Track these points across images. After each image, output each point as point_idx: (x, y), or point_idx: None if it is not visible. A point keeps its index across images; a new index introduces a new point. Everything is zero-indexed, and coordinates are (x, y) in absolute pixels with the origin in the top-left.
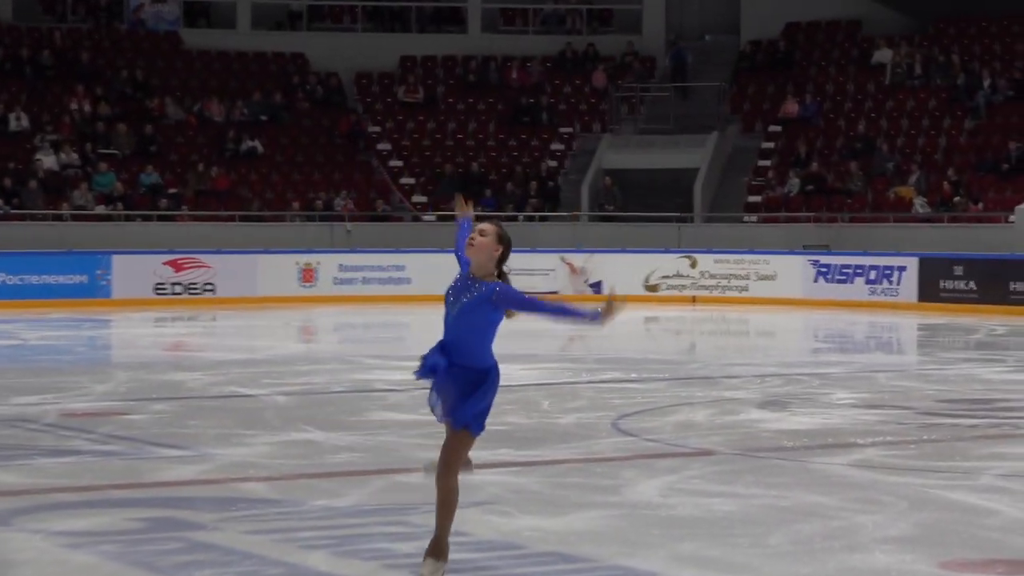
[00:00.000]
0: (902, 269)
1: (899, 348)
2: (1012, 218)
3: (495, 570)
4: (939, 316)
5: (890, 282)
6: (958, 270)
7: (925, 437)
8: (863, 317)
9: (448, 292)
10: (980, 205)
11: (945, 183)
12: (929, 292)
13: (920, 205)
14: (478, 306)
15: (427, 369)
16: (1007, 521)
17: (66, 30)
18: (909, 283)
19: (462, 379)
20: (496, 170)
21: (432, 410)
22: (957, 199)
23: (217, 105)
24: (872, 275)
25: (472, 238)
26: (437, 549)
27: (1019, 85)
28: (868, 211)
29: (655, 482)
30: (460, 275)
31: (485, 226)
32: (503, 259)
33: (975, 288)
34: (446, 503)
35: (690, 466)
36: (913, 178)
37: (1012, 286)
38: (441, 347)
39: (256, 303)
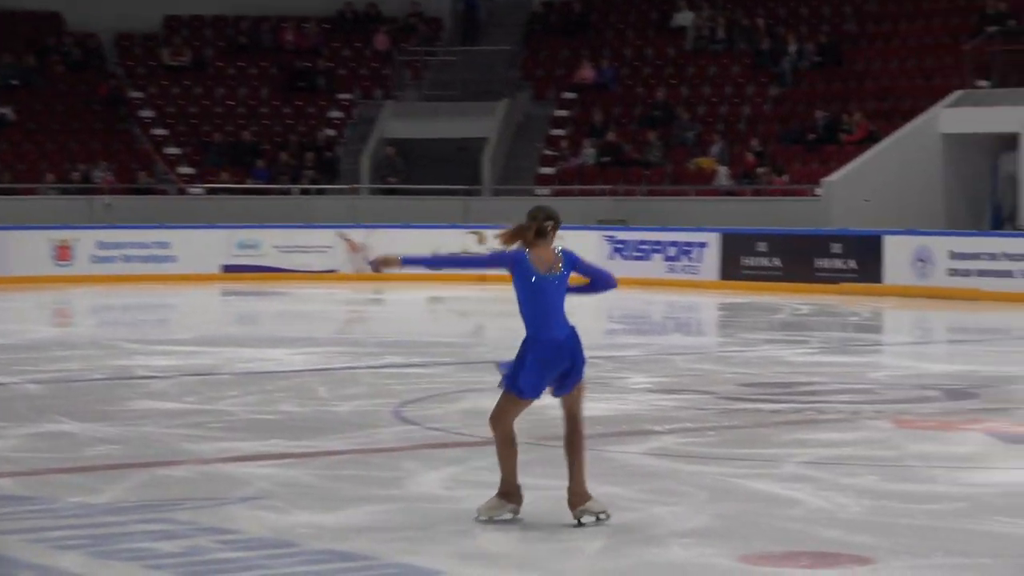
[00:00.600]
0: (703, 245)
1: (699, 329)
2: (818, 191)
3: (266, 570)
4: (741, 295)
5: (690, 259)
6: (762, 246)
7: (726, 423)
8: (661, 296)
9: (519, 280)
10: (785, 177)
11: (749, 154)
12: (731, 269)
13: (722, 177)
14: (566, 277)
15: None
16: (810, 511)
17: None
18: (710, 260)
19: (578, 354)
20: (269, 139)
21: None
22: (761, 171)
23: None
24: (671, 251)
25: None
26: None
27: (826, 50)
28: (667, 184)
29: (439, 474)
30: (525, 266)
31: (506, 232)
32: (529, 228)
33: (779, 265)
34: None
35: (477, 456)
36: (715, 148)
37: (817, 263)
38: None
39: (6, 283)
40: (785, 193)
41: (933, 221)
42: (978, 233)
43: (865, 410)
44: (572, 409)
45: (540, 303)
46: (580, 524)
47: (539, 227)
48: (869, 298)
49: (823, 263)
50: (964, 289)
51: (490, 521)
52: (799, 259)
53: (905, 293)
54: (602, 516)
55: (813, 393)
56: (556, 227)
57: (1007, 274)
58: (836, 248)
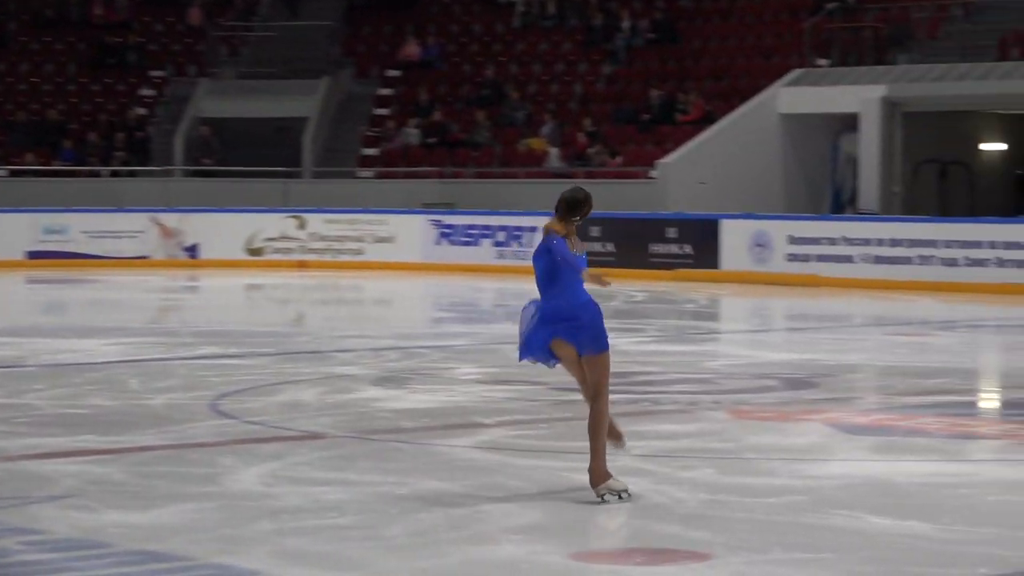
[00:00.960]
0: (533, 229)
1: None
2: (653, 173)
3: (75, 572)
4: None
5: (520, 244)
6: (595, 231)
7: (557, 415)
8: (490, 283)
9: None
10: (619, 159)
11: (581, 135)
12: None
13: (553, 159)
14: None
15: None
16: (646, 507)
17: None
18: None
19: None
20: (77, 119)
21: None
22: (594, 152)
23: None
24: (500, 236)
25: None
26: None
27: (661, 27)
28: (496, 166)
29: (257, 470)
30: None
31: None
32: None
33: (613, 250)
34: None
35: (297, 451)
36: (545, 129)
37: (652, 248)
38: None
39: None
40: (618, 176)
41: (771, 205)
42: (818, 217)
43: (702, 400)
44: (593, 388)
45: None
46: (603, 501)
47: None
48: (706, 284)
49: (658, 248)
50: (803, 275)
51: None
52: (633, 244)
53: (743, 279)
54: (624, 495)
55: (649, 383)
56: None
57: (847, 259)
58: (671, 233)
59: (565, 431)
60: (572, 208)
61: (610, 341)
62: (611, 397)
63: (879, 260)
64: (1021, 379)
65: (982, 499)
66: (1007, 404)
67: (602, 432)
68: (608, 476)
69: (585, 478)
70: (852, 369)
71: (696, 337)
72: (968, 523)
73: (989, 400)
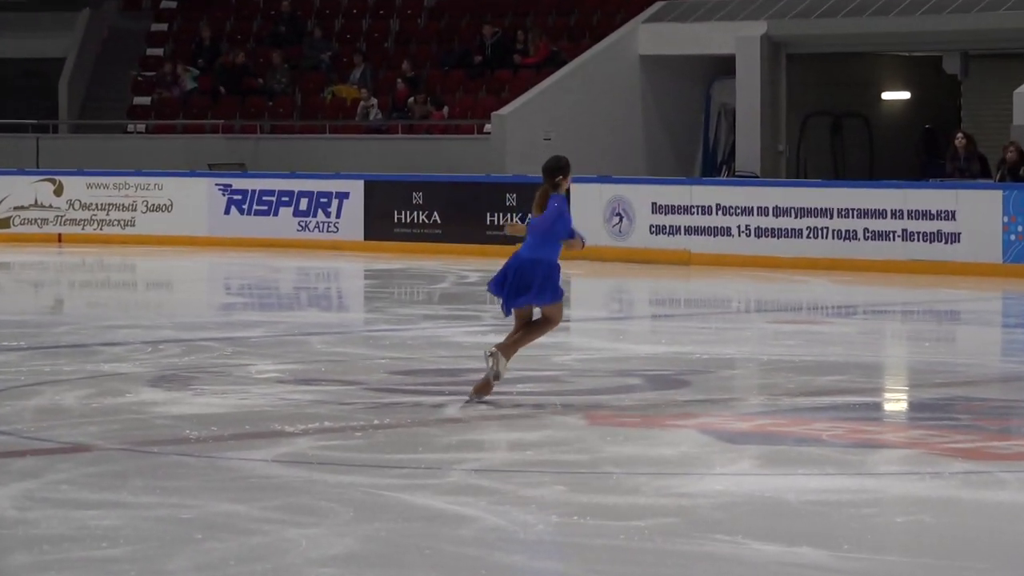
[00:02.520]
0: (343, 196)
1: (340, 303)
2: (488, 128)
3: None
4: (393, 259)
5: (327, 214)
6: (417, 197)
7: (377, 422)
8: (291, 261)
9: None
10: (445, 111)
11: (399, 81)
12: (380, 227)
13: (367, 111)
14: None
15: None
16: (483, 531)
17: None
18: (352, 215)
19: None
20: None
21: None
22: (415, 103)
23: None
24: (303, 205)
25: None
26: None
27: None
28: (297, 119)
29: (7, 490)
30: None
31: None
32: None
33: (440, 221)
34: (537, 331)
35: (58, 467)
36: (356, 74)
37: (489, 218)
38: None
39: None
40: (446, 131)
41: (631, 166)
42: (687, 181)
43: (551, 403)
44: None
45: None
46: (490, 355)
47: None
48: None
49: (495, 219)
50: (671, 251)
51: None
52: (465, 214)
53: (598, 256)
54: (492, 375)
55: None
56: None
57: (724, 232)
58: (511, 199)
59: (384, 441)
60: (548, 173)
61: (438, 332)
62: (442, 399)
63: (761, 233)
64: (932, 376)
65: (887, 521)
66: (916, 406)
67: (529, 339)
68: (499, 354)
69: (410, 496)
70: (730, 364)
71: None
72: (871, 550)
73: (895, 401)
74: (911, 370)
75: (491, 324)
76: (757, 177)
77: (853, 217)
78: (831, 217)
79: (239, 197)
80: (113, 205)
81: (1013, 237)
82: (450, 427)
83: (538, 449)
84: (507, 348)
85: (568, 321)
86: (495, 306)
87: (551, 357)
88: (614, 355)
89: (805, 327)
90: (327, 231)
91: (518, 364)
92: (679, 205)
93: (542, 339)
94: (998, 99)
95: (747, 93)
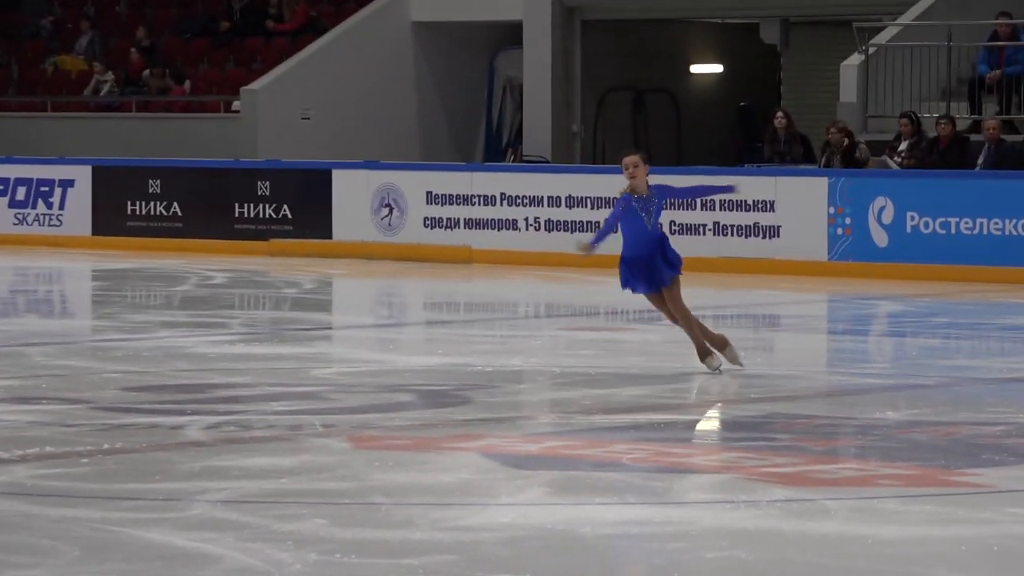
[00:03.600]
0: (67, 184)
1: (64, 308)
2: (236, 105)
3: None
4: (126, 257)
5: (48, 205)
6: (154, 185)
7: (107, 446)
8: (6, 260)
9: (629, 215)
10: (187, 85)
11: (133, 51)
12: (110, 220)
13: (101, 85)
14: (660, 210)
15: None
16: (231, 571)
17: None
18: (78, 206)
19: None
20: None
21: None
22: (151, 76)
23: None
24: (20, 194)
25: (631, 173)
26: (705, 349)
27: None
28: (12, 94)
29: None
30: (627, 202)
31: (632, 159)
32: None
33: (180, 214)
34: (692, 322)
35: None
36: (83, 42)
37: (238, 211)
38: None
39: None
40: (188, 108)
41: (403, 149)
42: (468, 167)
43: (310, 423)
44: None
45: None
46: (719, 372)
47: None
48: (313, 261)
49: (245, 211)
50: (449, 247)
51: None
52: (209, 205)
53: (365, 253)
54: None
55: (234, 400)
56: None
57: (509, 225)
58: (263, 188)
59: (115, 468)
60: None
61: (178, 341)
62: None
63: (552, 226)
64: (748, 390)
65: (697, 557)
66: (730, 425)
67: (694, 324)
68: (709, 351)
69: (145, 532)
70: (517, 377)
71: (300, 335)
72: None
73: (706, 419)
74: (724, 383)
75: (239, 332)
76: (547, 162)
77: None
78: None
79: None
80: None
81: (840, 231)
82: (192, 452)
83: (295, 477)
84: (701, 346)
85: (330, 329)
86: (248, 311)
87: (310, 370)
88: (383, 368)
89: (602, 335)
90: (48, 225)
91: (272, 379)
92: (458, 195)
93: (304, 351)
94: (822, 73)
95: (536, 65)
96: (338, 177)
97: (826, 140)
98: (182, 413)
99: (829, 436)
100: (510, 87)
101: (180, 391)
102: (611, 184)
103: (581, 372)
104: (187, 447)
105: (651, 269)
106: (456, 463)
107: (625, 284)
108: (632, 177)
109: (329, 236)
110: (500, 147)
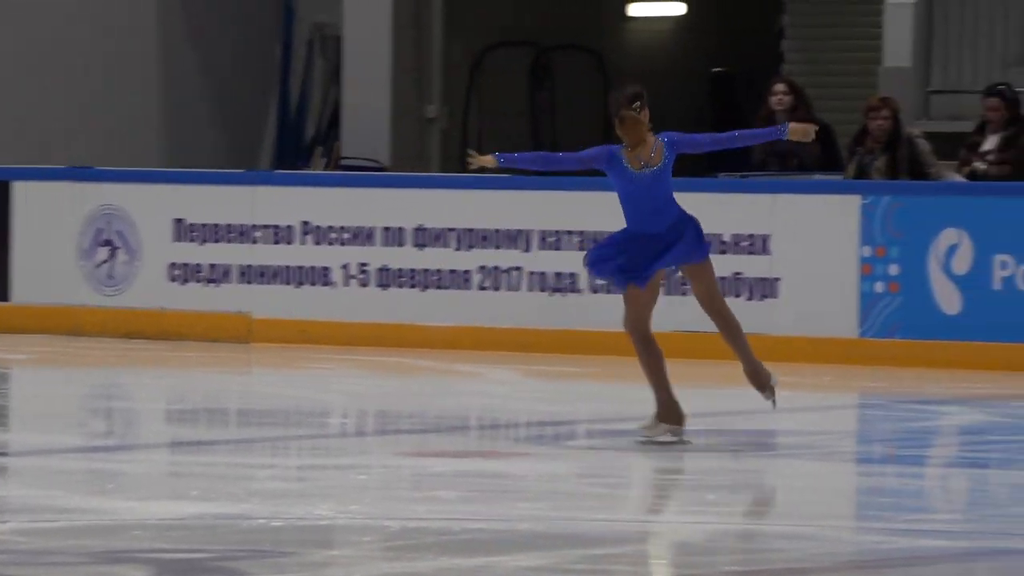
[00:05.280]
0: None
1: None
2: None
3: None
4: None
5: None
6: None
7: None
8: None
9: (627, 183)
10: None
11: None
12: None
13: None
14: (668, 168)
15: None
16: None
17: None
18: None
19: (688, 227)
20: None
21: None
22: None
23: None
24: None
25: (624, 123)
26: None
27: None
28: None
29: None
30: (618, 164)
31: (626, 113)
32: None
33: None
34: (736, 330)
35: None
36: None
37: None
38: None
39: None
40: None
41: (134, 148)
42: (246, 178)
43: None
44: (711, 306)
45: (637, 203)
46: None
47: (620, 117)
48: None
49: None
50: (212, 315)
51: (649, 442)
52: None
53: (69, 324)
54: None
55: None
56: (643, 104)
57: (316, 277)
58: None
59: None
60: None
61: None
62: None
63: (389, 279)
64: (722, 559)
65: None
66: None
67: (741, 334)
68: (766, 374)
69: None
70: (325, 538)
71: None
72: None
73: None
74: (684, 541)
75: None
76: (383, 169)
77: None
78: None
79: None
80: None
81: (881, 287)
82: None
83: None
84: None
85: (4, 456)
86: None
87: None
88: (97, 523)
89: (472, 465)
90: None
91: None
92: (230, 225)
93: None
94: (851, 19)
95: (364, 5)
96: (20, 194)
97: (860, 131)
98: None
99: None
100: (320, 41)
101: None
102: (498, 207)
103: (435, 530)
104: None
105: (667, 244)
106: None
107: (599, 266)
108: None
109: (4, 297)
110: (302, 143)
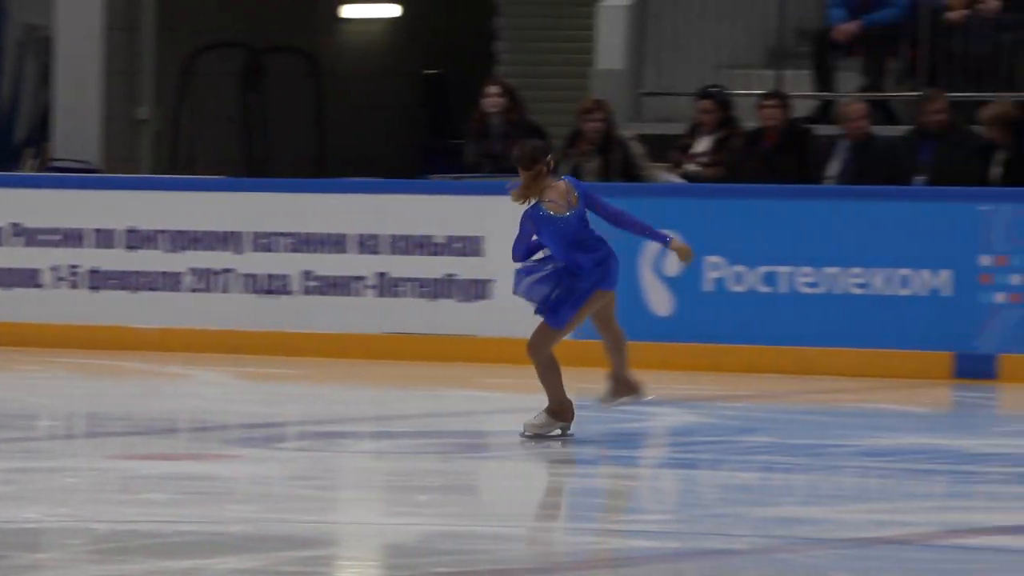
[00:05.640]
0: None
1: None
2: None
3: None
4: None
5: None
6: None
7: None
8: None
9: (546, 233)
10: None
11: None
12: None
13: None
14: (584, 209)
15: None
16: None
17: None
18: None
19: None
20: None
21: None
22: None
23: None
24: None
25: (525, 183)
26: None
27: None
28: None
29: None
30: (546, 219)
31: (522, 174)
32: (541, 173)
33: None
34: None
35: None
36: None
37: None
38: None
39: None
40: None
41: None
42: None
43: None
44: (607, 323)
45: (566, 239)
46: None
47: (539, 172)
48: None
49: None
50: None
51: (536, 438)
52: None
53: None
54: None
55: None
56: (537, 159)
57: (26, 279)
58: None
59: None
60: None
61: None
62: None
63: (100, 281)
64: None
65: None
66: None
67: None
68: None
69: None
70: (31, 541)
71: None
72: None
73: None
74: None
75: None
76: (94, 171)
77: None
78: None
79: None
80: None
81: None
82: None
83: None
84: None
85: None
86: None
87: None
88: None
89: (182, 467)
90: None
91: None
92: None
93: None
94: (565, 21)
95: (75, 5)
96: None
97: (573, 133)
98: None
99: None
100: (32, 42)
101: None
102: (209, 209)
103: (145, 532)
104: None
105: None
106: None
107: (533, 288)
108: (526, 199)
109: None
110: (12, 145)
